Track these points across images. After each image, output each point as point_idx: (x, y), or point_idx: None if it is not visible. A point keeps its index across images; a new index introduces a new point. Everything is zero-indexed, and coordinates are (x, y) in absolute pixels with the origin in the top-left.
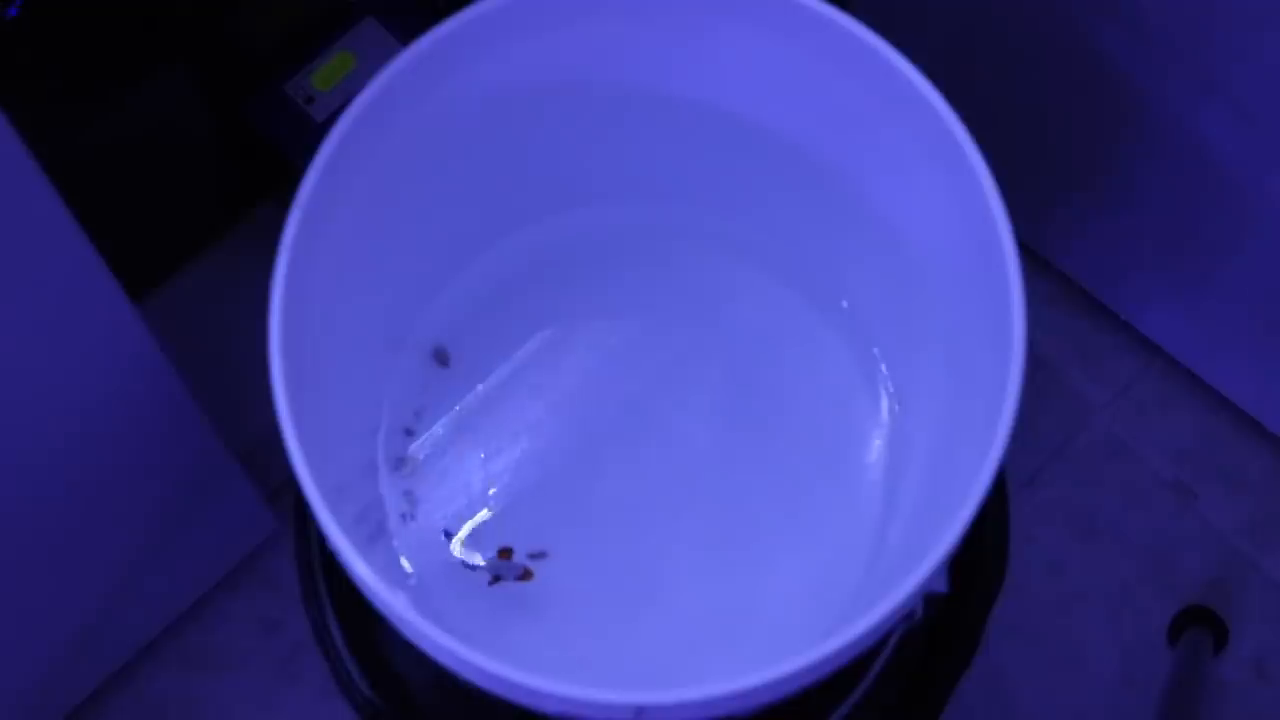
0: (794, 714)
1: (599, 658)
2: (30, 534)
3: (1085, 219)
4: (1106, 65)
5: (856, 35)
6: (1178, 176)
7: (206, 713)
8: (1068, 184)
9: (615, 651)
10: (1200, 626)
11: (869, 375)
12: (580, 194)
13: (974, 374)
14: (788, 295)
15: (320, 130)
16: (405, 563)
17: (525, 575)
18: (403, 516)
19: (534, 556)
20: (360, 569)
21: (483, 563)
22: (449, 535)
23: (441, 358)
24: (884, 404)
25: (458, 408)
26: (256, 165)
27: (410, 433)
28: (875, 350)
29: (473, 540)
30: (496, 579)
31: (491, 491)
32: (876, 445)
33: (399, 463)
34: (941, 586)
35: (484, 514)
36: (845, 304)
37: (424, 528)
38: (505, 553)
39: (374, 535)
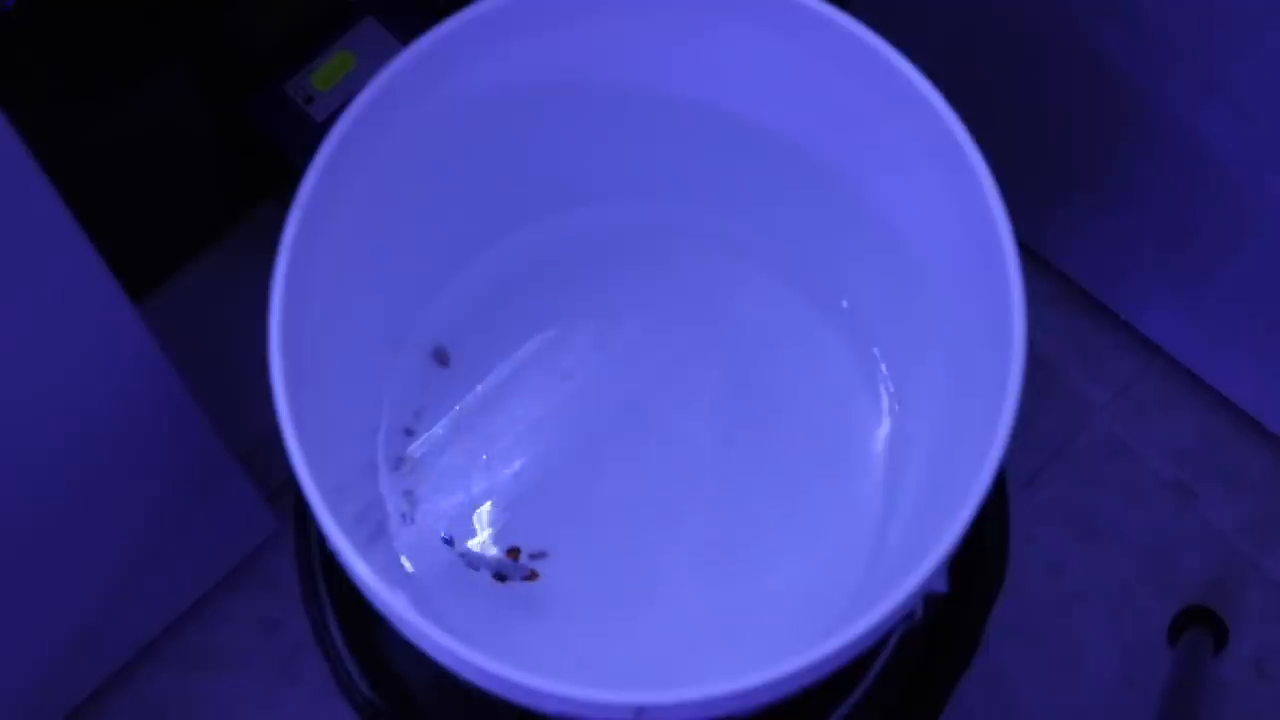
0: (794, 714)
1: (599, 658)
2: (30, 534)
3: (1085, 219)
4: (1106, 65)
5: (856, 35)
6: (1178, 176)
7: (206, 713)
8: (1068, 184)
9: (615, 651)
10: (1200, 626)
11: (869, 375)
12: (580, 194)
13: (974, 374)
14: (788, 295)
15: (320, 130)
16: (405, 563)
17: (531, 576)
18: (403, 516)
19: (534, 556)
20: (360, 569)
21: (491, 555)
22: (449, 535)
23: (441, 358)
24: (884, 404)
25: (458, 408)
26: (256, 165)
27: (410, 433)
28: (875, 350)
29: (473, 540)
30: (502, 578)
31: (491, 492)
32: (877, 445)
33: (399, 463)
34: (941, 586)
35: (484, 514)
36: (845, 304)
37: (424, 528)
38: (513, 553)
39: (374, 535)
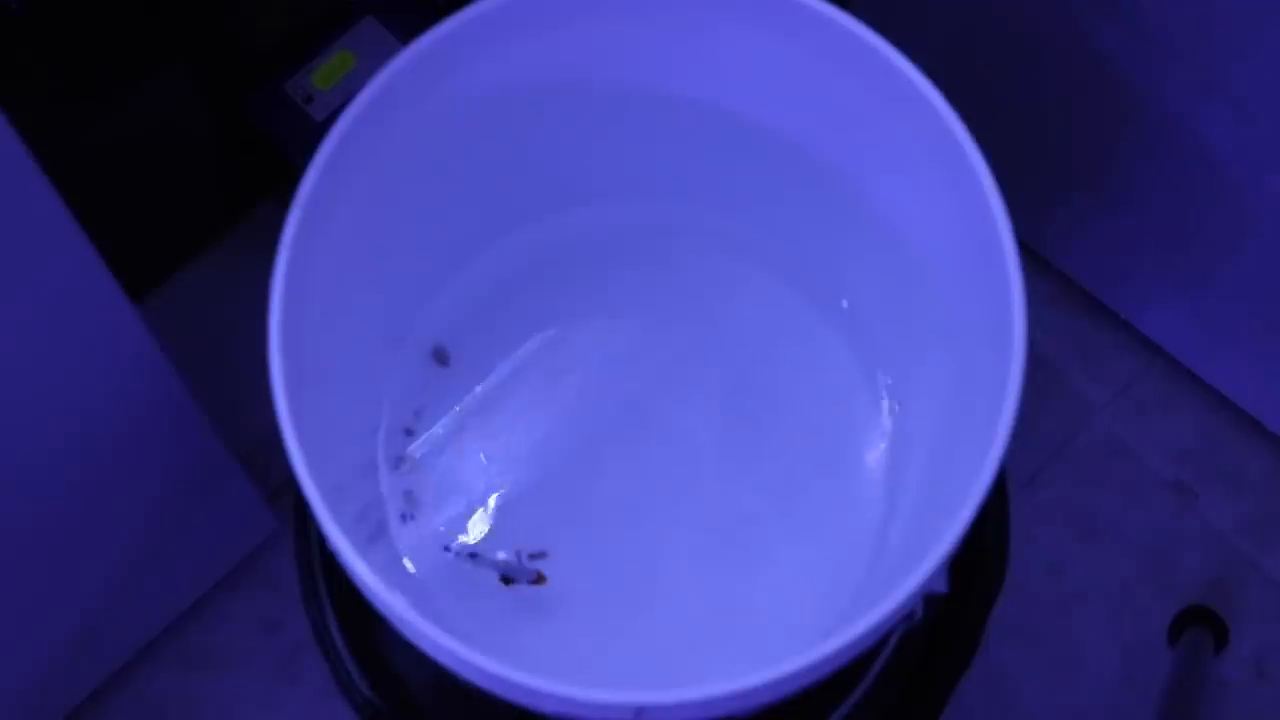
0: (794, 714)
1: (599, 657)
2: (30, 534)
3: (1085, 219)
4: (1106, 65)
5: (856, 34)
6: (1178, 176)
7: (206, 713)
8: (1068, 184)
9: (615, 651)
10: (1200, 626)
11: (869, 375)
12: (580, 194)
13: (974, 374)
14: (788, 294)
15: (320, 129)
16: (406, 563)
17: (538, 580)
18: (403, 516)
19: (534, 556)
20: (360, 569)
21: (499, 559)
22: (450, 536)
23: (441, 357)
24: (884, 403)
25: (458, 408)
26: (256, 164)
27: (410, 432)
28: (875, 350)
29: (471, 537)
30: (509, 581)
31: (491, 491)
32: (876, 445)
33: (399, 462)
34: (941, 586)
35: (484, 514)
36: (845, 303)
37: (424, 527)
38: (532, 556)
39: (374, 535)
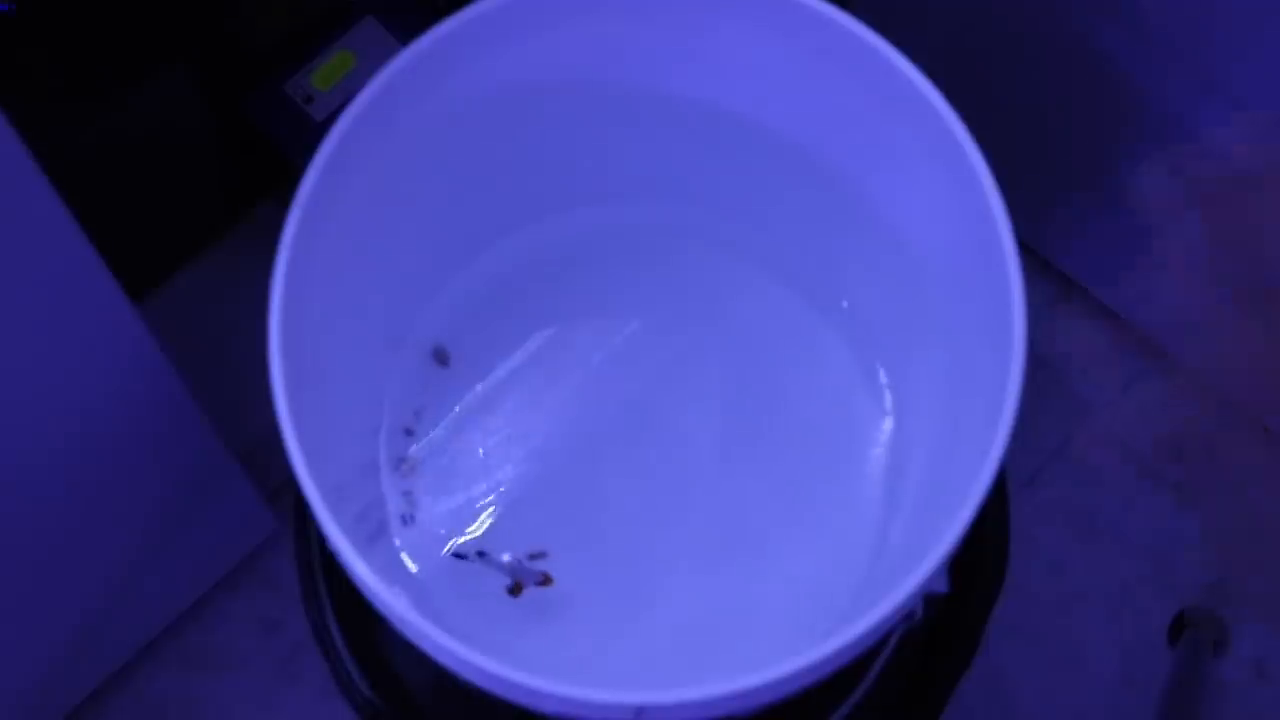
0: (794, 714)
1: (599, 657)
2: (30, 534)
3: (1085, 219)
4: (1106, 65)
5: (856, 35)
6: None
7: (206, 713)
8: (1068, 184)
9: (615, 651)
10: (1200, 626)
11: (869, 375)
12: (580, 194)
13: (974, 374)
14: (788, 295)
15: (320, 129)
16: (406, 562)
17: (545, 581)
18: (403, 517)
19: (534, 556)
20: (360, 569)
21: (506, 562)
22: (450, 537)
23: (441, 358)
24: (884, 404)
25: (458, 408)
26: (256, 165)
27: (410, 433)
28: (875, 349)
29: (475, 541)
30: (518, 586)
31: (491, 492)
32: (877, 445)
33: (399, 463)
34: (941, 586)
35: (484, 513)
36: (845, 304)
37: (424, 528)
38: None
39: (374, 535)
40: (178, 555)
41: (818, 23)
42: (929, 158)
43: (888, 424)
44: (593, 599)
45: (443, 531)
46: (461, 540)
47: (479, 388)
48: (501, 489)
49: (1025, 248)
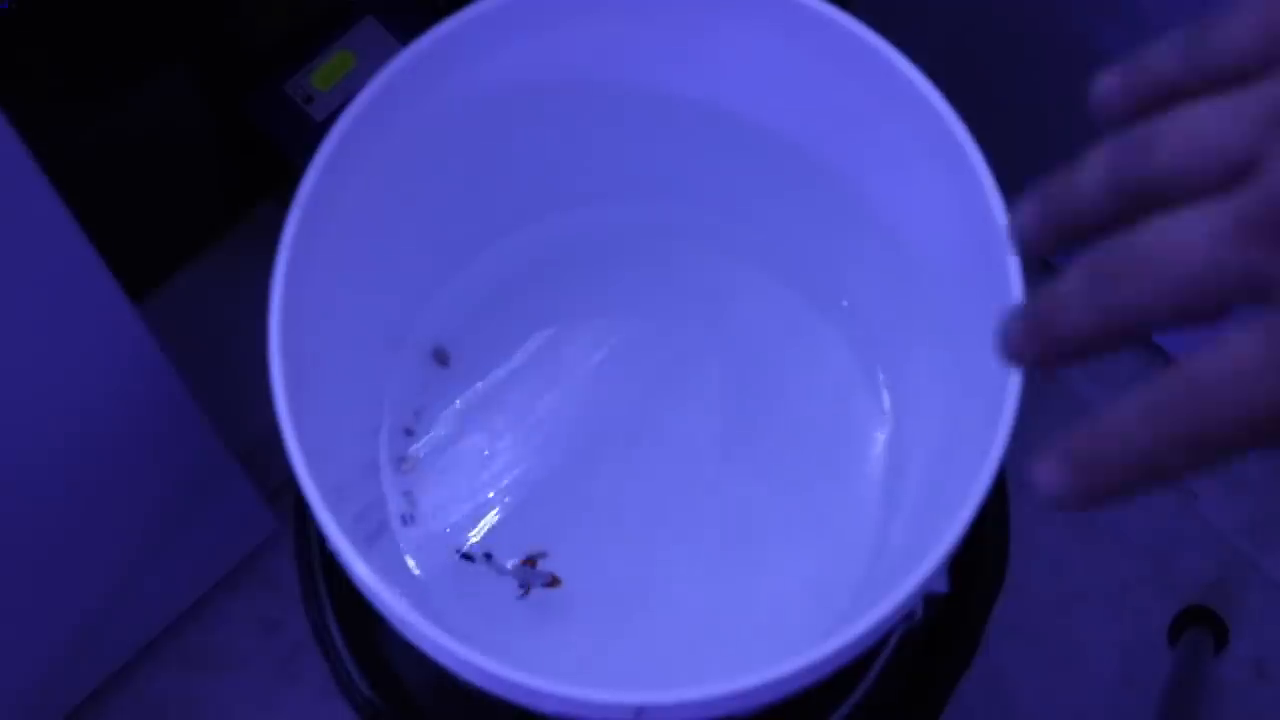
0: (794, 714)
1: (599, 657)
2: (30, 534)
3: None
4: (1106, 65)
5: (856, 35)
6: None
7: (206, 713)
8: None
9: (615, 651)
10: (1200, 626)
11: (869, 374)
12: (580, 194)
13: (974, 374)
14: (788, 294)
15: (320, 129)
16: (406, 562)
17: (553, 582)
18: (403, 517)
19: (534, 556)
20: (360, 569)
21: (512, 565)
22: (450, 536)
23: (441, 357)
24: (884, 403)
25: (458, 407)
26: (256, 165)
27: (410, 432)
28: (875, 349)
29: (475, 541)
30: (526, 588)
31: (491, 492)
32: (877, 445)
33: (399, 462)
34: (941, 586)
35: (484, 513)
36: (845, 303)
37: (424, 528)
38: (531, 561)
39: (374, 535)
40: (178, 555)
41: (818, 23)
42: (929, 157)
43: (888, 424)
44: (593, 599)
45: (443, 531)
46: (463, 540)
47: (479, 388)
48: (501, 489)
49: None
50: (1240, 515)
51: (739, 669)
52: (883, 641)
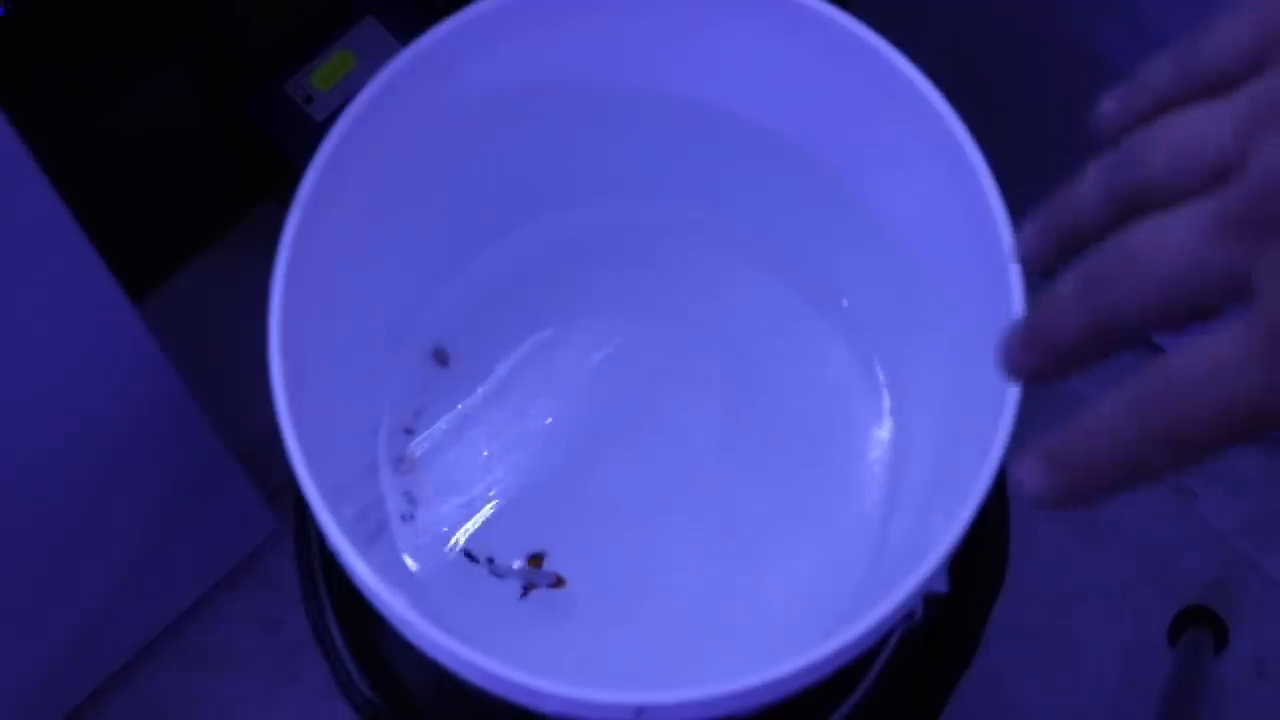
0: (794, 714)
1: (599, 657)
2: (30, 534)
3: None
4: (1106, 65)
5: (856, 34)
6: None
7: (206, 713)
8: None
9: (615, 651)
10: (1200, 626)
11: (869, 374)
12: (579, 194)
13: (974, 373)
14: (787, 294)
15: (320, 129)
16: (406, 562)
17: (558, 583)
18: (403, 516)
19: (533, 556)
20: (360, 569)
21: (517, 566)
22: (450, 536)
23: (441, 358)
24: (884, 403)
25: (458, 407)
26: (256, 165)
27: (410, 432)
28: (875, 349)
29: (475, 541)
30: (531, 587)
31: (491, 491)
32: (877, 444)
33: (399, 462)
34: (942, 586)
35: (484, 513)
36: (845, 303)
37: (424, 527)
38: (536, 560)
39: (374, 535)
40: (178, 555)
41: (818, 23)
42: (929, 157)
43: (887, 423)
44: (593, 599)
45: (443, 531)
46: (463, 539)
47: (479, 388)
48: (501, 488)
49: None
50: (1240, 515)
51: (739, 669)
52: (883, 641)
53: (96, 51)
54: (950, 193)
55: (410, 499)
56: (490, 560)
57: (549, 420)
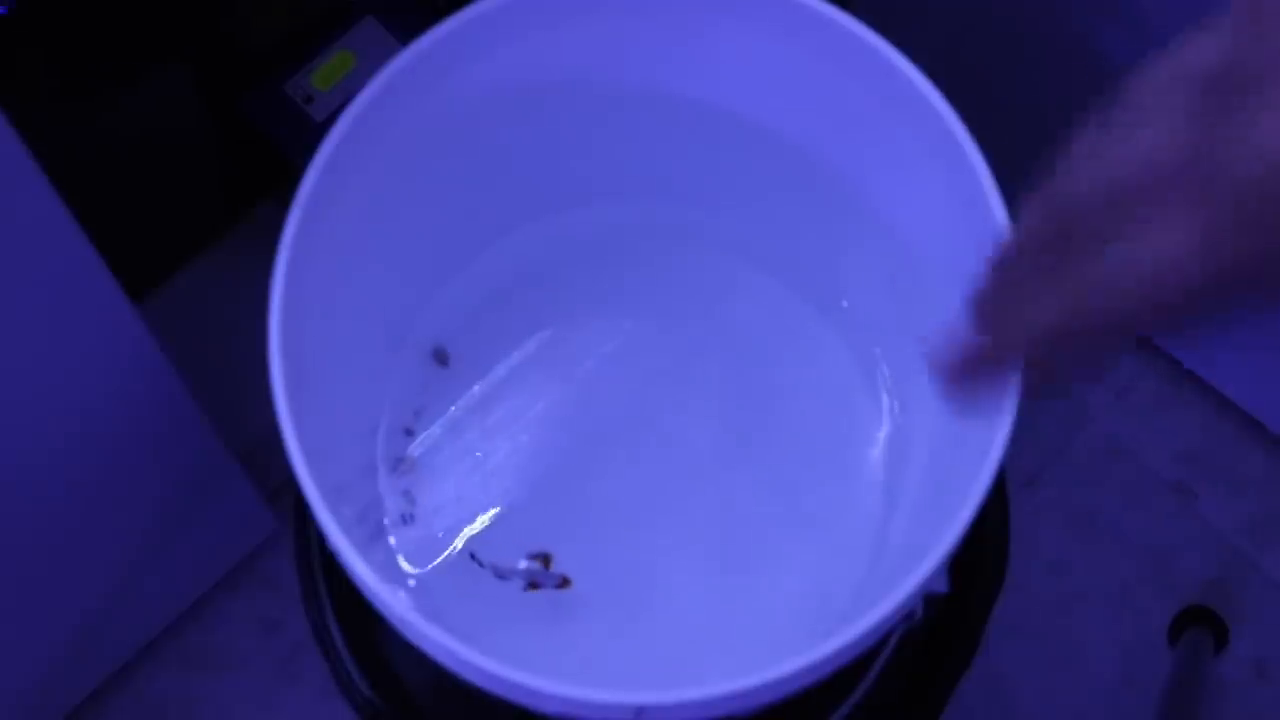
0: (794, 714)
1: (598, 657)
2: (30, 534)
3: None
4: (1106, 65)
5: (856, 34)
6: None
7: (206, 713)
8: None
9: (615, 651)
10: (1200, 626)
11: (869, 375)
12: (579, 194)
13: None
14: (787, 295)
15: (320, 130)
16: (405, 563)
17: (564, 584)
18: (402, 517)
19: (533, 557)
20: (360, 569)
21: (522, 566)
22: (450, 537)
23: (441, 358)
24: (884, 403)
25: (457, 408)
26: (256, 165)
27: (410, 433)
28: (875, 350)
29: (475, 542)
30: (534, 586)
31: (491, 492)
32: (877, 445)
33: (398, 463)
34: (942, 586)
35: (484, 513)
36: (845, 303)
37: (424, 528)
38: (543, 560)
39: (374, 535)
40: (178, 555)
41: (818, 23)
42: (929, 157)
43: (887, 424)
44: (593, 599)
45: (443, 531)
46: (462, 542)
47: (478, 388)
48: (501, 488)
49: None
50: (1240, 515)
51: (739, 669)
52: (883, 641)
53: (96, 51)
54: (950, 193)
55: (410, 499)
56: (496, 566)
57: (549, 420)
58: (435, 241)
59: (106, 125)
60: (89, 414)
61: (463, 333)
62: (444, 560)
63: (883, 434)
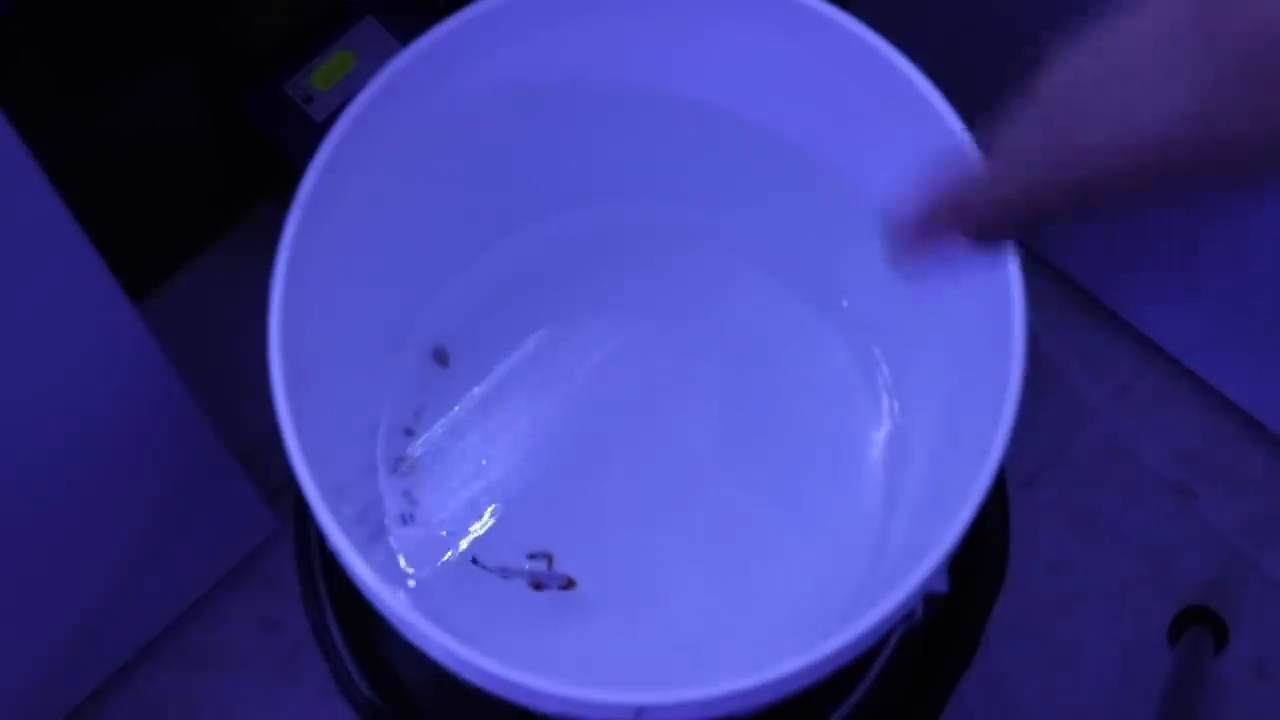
0: (794, 714)
1: (599, 657)
2: (30, 534)
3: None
4: None
5: (856, 34)
6: None
7: (206, 713)
8: None
9: (615, 651)
10: (1200, 626)
11: (869, 374)
12: (580, 194)
13: (974, 373)
14: (788, 294)
15: (320, 130)
16: (405, 563)
17: (569, 585)
18: (402, 517)
19: (533, 557)
20: (360, 569)
21: (525, 567)
22: (450, 537)
23: (441, 358)
24: (884, 403)
25: (457, 408)
26: (256, 165)
27: (410, 433)
28: (875, 349)
29: (475, 542)
30: (539, 586)
31: (491, 492)
32: (877, 444)
33: (398, 463)
34: (942, 586)
35: (484, 514)
36: (845, 303)
37: (424, 528)
38: (546, 559)
39: (374, 535)
40: (178, 555)
41: (818, 23)
42: (929, 158)
43: (887, 423)
44: (592, 599)
45: (443, 531)
46: (464, 543)
47: (478, 388)
48: (501, 488)
49: (1025, 247)
50: (1240, 515)
51: (739, 669)
52: (883, 641)
53: (96, 52)
54: None
55: (410, 499)
56: (502, 567)
57: (549, 420)
58: (435, 241)
59: (106, 125)
60: (89, 414)
61: (463, 333)
62: (443, 560)
63: (882, 434)
